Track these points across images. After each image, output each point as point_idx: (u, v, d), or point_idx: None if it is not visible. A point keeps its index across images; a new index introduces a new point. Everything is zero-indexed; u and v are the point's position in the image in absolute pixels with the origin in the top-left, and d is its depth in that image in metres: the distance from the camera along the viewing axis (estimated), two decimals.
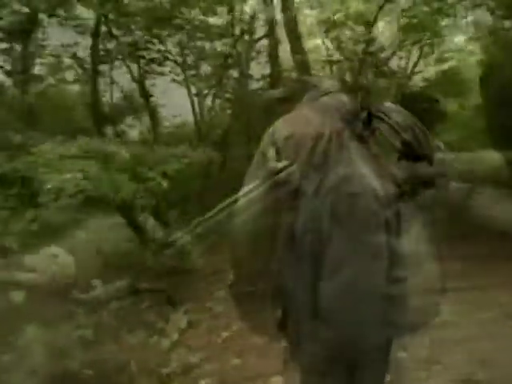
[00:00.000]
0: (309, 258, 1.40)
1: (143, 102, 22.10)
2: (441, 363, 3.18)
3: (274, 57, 9.74)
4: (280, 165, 1.64)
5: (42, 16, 15.99)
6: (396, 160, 1.45)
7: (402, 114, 1.49)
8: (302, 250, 1.42)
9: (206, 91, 16.16)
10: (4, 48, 17.15)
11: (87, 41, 14.49)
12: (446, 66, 13.43)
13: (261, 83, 11.78)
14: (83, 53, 16.52)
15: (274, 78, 9.35)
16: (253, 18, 11.75)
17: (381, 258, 1.32)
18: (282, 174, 1.61)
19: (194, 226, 1.83)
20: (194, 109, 13.38)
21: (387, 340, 1.44)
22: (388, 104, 1.54)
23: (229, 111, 11.87)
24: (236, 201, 1.70)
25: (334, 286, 1.31)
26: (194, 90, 13.82)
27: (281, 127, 1.48)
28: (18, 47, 17.42)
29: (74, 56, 20.00)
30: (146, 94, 10.44)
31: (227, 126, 11.94)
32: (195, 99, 13.67)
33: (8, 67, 17.18)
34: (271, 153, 1.42)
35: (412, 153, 1.44)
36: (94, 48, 9.19)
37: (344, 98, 1.52)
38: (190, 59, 13.44)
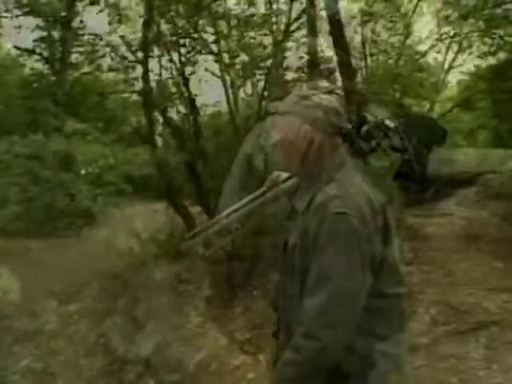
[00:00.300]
0: (295, 272, 1.40)
1: (180, 91, 22.45)
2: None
3: (311, 48, 9.62)
4: (283, 176, 1.68)
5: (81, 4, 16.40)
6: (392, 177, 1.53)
7: (399, 134, 1.48)
8: (290, 263, 1.43)
9: (240, 82, 16.23)
10: (43, 36, 17.74)
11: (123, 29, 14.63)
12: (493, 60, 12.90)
13: (297, 75, 11.69)
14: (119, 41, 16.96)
15: (313, 69, 9.24)
16: (291, 8, 11.66)
17: (363, 274, 1.28)
18: (284, 186, 1.65)
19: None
20: (228, 99, 13.37)
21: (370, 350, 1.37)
22: (388, 121, 1.50)
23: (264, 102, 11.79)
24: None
25: (316, 302, 1.27)
26: (229, 81, 13.88)
27: (269, 131, 1.59)
28: (56, 35, 18.03)
29: (110, 44, 20.58)
30: (186, 83, 10.48)
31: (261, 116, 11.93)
32: (230, 90, 13.70)
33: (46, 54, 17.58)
34: (259, 160, 1.54)
35: (411, 173, 1.42)
36: (143, 36, 9.22)
37: (337, 107, 1.45)
38: (226, 49, 13.45)
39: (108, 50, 20.90)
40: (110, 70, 22.59)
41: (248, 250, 4.96)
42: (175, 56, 10.49)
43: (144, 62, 9.34)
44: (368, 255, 1.28)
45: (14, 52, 18.31)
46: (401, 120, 1.68)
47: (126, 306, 5.11)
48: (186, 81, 10.39)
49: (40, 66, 18.33)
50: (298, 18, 11.12)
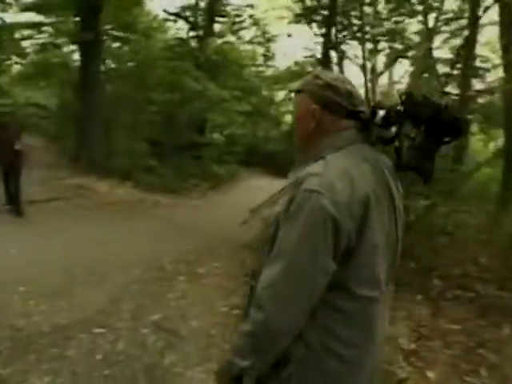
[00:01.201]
0: (269, 245, 1.34)
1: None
2: None
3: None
4: None
5: None
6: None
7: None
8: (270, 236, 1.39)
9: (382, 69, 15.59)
10: (190, 3, 18.53)
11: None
12: None
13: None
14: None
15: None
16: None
17: (321, 256, 1.21)
18: None
19: None
20: (366, 87, 13.00)
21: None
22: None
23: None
24: None
25: (269, 273, 1.25)
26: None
27: None
28: (202, 3, 18.72)
29: (251, 17, 20.94)
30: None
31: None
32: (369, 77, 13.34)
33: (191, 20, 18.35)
34: None
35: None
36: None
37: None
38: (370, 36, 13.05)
39: (250, 22, 21.69)
40: (250, 42, 23.40)
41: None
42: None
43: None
44: (331, 239, 1.19)
45: (161, 15, 19.36)
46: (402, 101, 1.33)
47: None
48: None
49: (184, 31, 19.36)
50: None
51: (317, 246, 1.19)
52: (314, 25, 11.77)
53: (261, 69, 24.67)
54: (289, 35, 17.46)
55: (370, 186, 1.27)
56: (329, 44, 9.58)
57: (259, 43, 23.38)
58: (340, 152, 1.33)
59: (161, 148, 14.02)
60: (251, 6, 20.01)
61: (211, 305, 4.69)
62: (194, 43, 18.98)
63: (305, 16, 11.23)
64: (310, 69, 22.51)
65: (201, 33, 18.95)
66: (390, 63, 13.23)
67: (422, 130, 1.27)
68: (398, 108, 1.30)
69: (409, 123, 1.30)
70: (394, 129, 1.33)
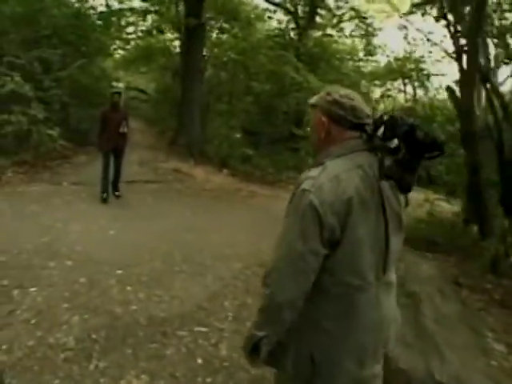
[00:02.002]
0: None
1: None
2: None
3: None
4: None
5: None
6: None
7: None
8: None
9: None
10: None
11: None
12: None
13: None
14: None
15: None
16: None
17: (311, 241, 1.48)
18: None
19: None
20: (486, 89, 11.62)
21: None
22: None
23: None
24: None
25: (273, 258, 1.59)
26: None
27: None
28: None
29: (353, 9, 20.04)
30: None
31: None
32: None
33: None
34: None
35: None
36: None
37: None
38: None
39: (352, 14, 20.85)
40: (351, 35, 22.50)
41: None
42: None
43: None
44: (317, 228, 1.46)
45: (262, 5, 19.06)
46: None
47: None
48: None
49: (284, 21, 18.95)
50: None
51: (306, 233, 1.46)
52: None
53: (361, 63, 23.66)
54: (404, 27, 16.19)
55: (356, 189, 1.49)
56: (457, 35, 8.52)
57: (360, 36, 22.41)
58: (340, 158, 1.56)
59: (257, 138, 13.68)
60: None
61: None
62: (293, 34, 18.57)
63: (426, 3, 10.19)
64: (410, 66, 21.54)
65: (301, 23, 18.46)
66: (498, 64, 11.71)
67: (407, 146, 1.43)
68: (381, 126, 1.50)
69: (394, 139, 1.47)
70: (396, 141, 1.46)
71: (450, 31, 9.76)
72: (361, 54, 23.44)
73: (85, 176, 8.64)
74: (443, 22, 9.85)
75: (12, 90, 8.96)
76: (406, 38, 20.70)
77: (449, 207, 7.91)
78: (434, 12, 11.07)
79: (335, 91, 1.66)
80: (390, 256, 1.62)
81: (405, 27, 16.93)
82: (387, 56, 22.64)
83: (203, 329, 3.63)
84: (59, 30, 11.33)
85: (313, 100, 1.72)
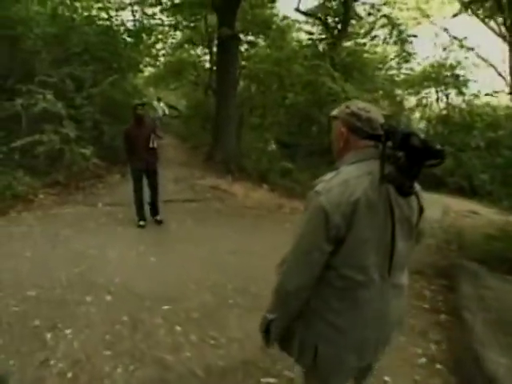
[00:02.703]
0: None
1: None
2: None
3: None
4: None
5: None
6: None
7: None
8: None
9: None
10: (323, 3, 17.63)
11: None
12: None
13: None
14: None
15: None
16: None
17: (318, 237, 1.65)
18: None
19: None
20: None
21: None
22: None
23: None
24: None
25: (287, 252, 1.79)
26: None
27: None
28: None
29: (385, 16, 19.46)
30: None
31: None
32: None
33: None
34: None
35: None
36: None
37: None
38: None
39: (384, 21, 20.24)
40: (386, 42, 21.85)
41: None
42: None
43: None
44: (324, 227, 1.59)
45: (293, 15, 18.70)
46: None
47: None
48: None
49: (315, 30, 18.48)
50: None
51: (314, 231, 1.63)
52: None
53: (394, 72, 22.97)
54: (445, 29, 15.45)
55: (363, 192, 1.61)
56: None
57: (394, 44, 21.75)
58: (353, 165, 1.70)
59: (293, 151, 13.04)
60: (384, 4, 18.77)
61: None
62: (326, 44, 18.14)
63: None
64: (446, 72, 20.65)
65: (334, 32, 17.99)
66: None
67: (407, 154, 1.52)
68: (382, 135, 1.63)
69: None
70: (400, 153, 1.55)
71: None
72: (393, 63, 22.87)
73: (120, 196, 8.16)
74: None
75: (44, 109, 8.63)
76: (434, 44, 20.06)
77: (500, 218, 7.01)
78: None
79: (354, 104, 1.79)
80: (396, 259, 1.70)
81: (445, 30, 16.07)
82: (418, 64, 21.96)
83: (272, 380, 2.99)
84: (90, 46, 11.04)
85: (334, 112, 1.85)
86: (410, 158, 1.51)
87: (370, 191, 1.61)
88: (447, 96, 22.05)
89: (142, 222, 6.57)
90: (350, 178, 1.63)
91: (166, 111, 16.30)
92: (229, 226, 6.97)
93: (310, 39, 18.56)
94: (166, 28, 15.90)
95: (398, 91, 21.85)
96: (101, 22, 11.99)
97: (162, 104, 16.20)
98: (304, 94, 14.12)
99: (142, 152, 6.35)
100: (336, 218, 1.59)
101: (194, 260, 5.20)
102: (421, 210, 1.78)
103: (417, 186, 1.72)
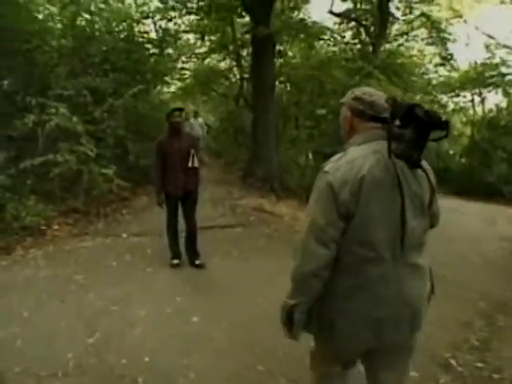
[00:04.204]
0: None
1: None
2: None
3: None
4: None
5: None
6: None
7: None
8: None
9: None
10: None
11: None
12: None
13: None
14: None
15: None
16: None
17: (328, 214, 1.70)
18: None
19: None
20: None
21: None
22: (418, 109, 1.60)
23: None
24: None
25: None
26: None
27: None
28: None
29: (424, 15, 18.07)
30: None
31: None
32: None
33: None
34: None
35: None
36: None
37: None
38: None
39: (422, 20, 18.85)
40: (426, 43, 20.40)
41: None
42: None
43: None
44: (333, 204, 1.63)
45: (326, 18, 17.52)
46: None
47: None
48: None
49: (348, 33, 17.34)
50: None
51: (325, 209, 1.65)
52: None
53: (433, 75, 21.44)
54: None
55: (369, 169, 1.64)
56: None
57: (432, 44, 20.26)
58: (360, 146, 1.73)
59: None
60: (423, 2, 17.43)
61: None
62: (364, 46, 16.96)
63: None
64: (491, 73, 19.07)
65: (371, 34, 16.73)
66: None
67: (413, 126, 1.56)
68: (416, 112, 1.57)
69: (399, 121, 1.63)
70: (408, 131, 1.58)
71: None
72: (429, 66, 21.34)
73: (148, 223, 6.81)
74: None
75: (57, 125, 7.38)
76: (466, 44, 18.64)
77: None
78: None
79: (359, 90, 1.85)
80: (408, 236, 1.68)
81: (477, 28, 14.54)
82: (452, 65, 20.37)
83: None
84: (110, 55, 9.85)
85: (342, 99, 1.89)
86: (416, 130, 1.55)
87: (376, 168, 1.64)
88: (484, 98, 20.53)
89: (175, 261, 5.13)
90: (357, 157, 1.66)
91: (205, 130, 13.77)
92: (284, 258, 5.46)
93: (346, 42, 17.38)
94: (191, 37, 14.78)
95: (438, 94, 20.30)
96: (122, 30, 10.80)
97: (200, 120, 13.80)
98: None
99: (178, 172, 4.91)
100: (344, 194, 1.61)
101: (254, 317, 3.73)
102: (432, 190, 1.78)
103: (427, 166, 1.78)
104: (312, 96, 13.10)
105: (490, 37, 19.16)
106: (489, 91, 20.77)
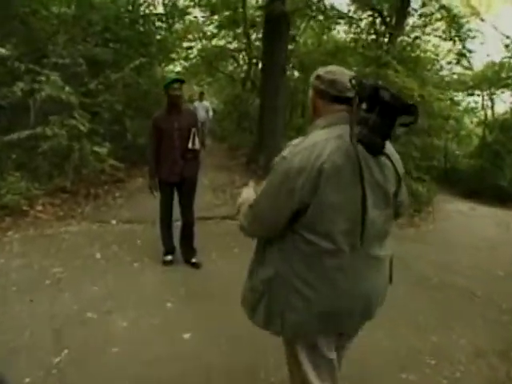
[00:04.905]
0: None
1: None
2: None
3: None
4: None
5: None
6: None
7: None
8: None
9: None
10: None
11: None
12: None
13: None
14: None
15: None
16: None
17: (279, 198, 1.61)
18: None
19: None
20: None
21: None
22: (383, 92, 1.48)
23: None
24: None
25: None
26: None
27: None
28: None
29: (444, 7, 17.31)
30: None
31: None
32: None
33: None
34: None
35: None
36: None
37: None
38: None
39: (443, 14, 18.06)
40: (441, 37, 19.62)
41: None
42: None
43: None
44: (289, 191, 1.52)
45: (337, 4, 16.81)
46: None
47: None
48: None
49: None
50: None
51: (279, 195, 1.55)
52: None
53: (446, 72, 20.69)
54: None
55: (329, 156, 1.52)
56: None
57: (450, 39, 19.49)
58: (323, 130, 1.61)
59: None
60: None
61: None
62: (381, 35, 16.22)
63: None
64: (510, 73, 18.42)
65: (389, 24, 16.00)
66: None
67: (377, 110, 1.44)
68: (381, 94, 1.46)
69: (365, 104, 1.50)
70: (373, 115, 1.46)
71: None
72: (443, 62, 20.62)
73: (141, 208, 6.17)
74: None
75: (49, 95, 6.69)
76: (481, 43, 18.02)
77: None
78: None
79: (323, 68, 1.72)
80: (370, 228, 1.59)
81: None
82: (468, 64, 19.70)
83: None
84: (112, 25, 9.10)
85: (311, 81, 1.75)
86: (381, 114, 1.45)
87: (337, 154, 1.52)
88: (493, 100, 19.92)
89: (168, 257, 4.49)
90: (317, 142, 1.55)
91: (211, 113, 12.67)
92: None
93: (360, 31, 16.61)
94: (200, 15, 14.04)
95: (453, 92, 19.62)
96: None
97: (206, 103, 12.80)
98: None
99: (175, 155, 4.22)
100: (300, 182, 1.52)
101: (256, 331, 3.11)
102: (399, 180, 1.69)
103: (394, 153, 1.71)
104: None
105: (507, 36, 18.58)
106: (502, 92, 20.18)
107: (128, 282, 3.91)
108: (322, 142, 1.54)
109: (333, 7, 12.90)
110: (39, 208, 6.06)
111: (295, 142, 1.62)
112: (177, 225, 4.57)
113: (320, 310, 1.61)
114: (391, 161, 1.63)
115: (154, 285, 3.93)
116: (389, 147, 1.64)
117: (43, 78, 6.55)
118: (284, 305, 1.63)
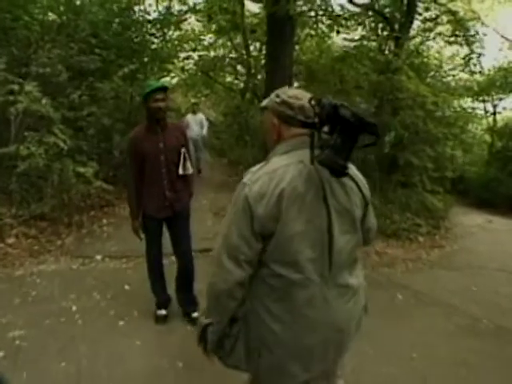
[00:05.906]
0: None
1: None
2: None
3: None
4: None
5: None
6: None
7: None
8: None
9: None
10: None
11: None
12: None
13: None
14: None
15: None
16: None
17: (242, 228, 1.51)
18: None
19: None
20: None
21: None
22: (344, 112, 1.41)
23: None
24: None
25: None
26: None
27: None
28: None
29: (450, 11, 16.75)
30: None
31: None
32: None
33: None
34: None
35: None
36: None
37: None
38: None
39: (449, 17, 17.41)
40: (448, 42, 19.01)
41: None
42: None
43: None
44: (249, 220, 1.45)
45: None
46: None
47: None
48: None
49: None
50: None
51: (240, 224, 1.47)
52: None
53: (450, 77, 20.11)
54: None
55: (290, 181, 1.46)
56: None
57: (456, 43, 18.92)
58: (285, 155, 1.54)
59: (359, 167, 9.98)
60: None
61: None
62: (387, 40, 15.54)
63: None
64: None
65: (395, 28, 15.29)
66: None
67: (338, 129, 1.39)
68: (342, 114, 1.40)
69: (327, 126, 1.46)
70: (334, 136, 1.41)
71: None
72: (447, 67, 20.05)
73: (132, 239, 5.13)
74: None
75: (25, 109, 5.79)
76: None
77: None
78: None
79: (283, 92, 1.63)
80: (337, 255, 1.54)
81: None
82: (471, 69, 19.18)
83: None
84: (100, 30, 8.24)
85: (264, 103, 1.69)
86: (341, 133, 1.40)
87: (298, 180, 1.48)
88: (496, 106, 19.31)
89: (162, 312, 3.53)
90: (278, 168, 1.50)
91: (206, 127, 11.04)
92: None
93: (363, 36, 15.95)
94: (197, 20, 13.24)
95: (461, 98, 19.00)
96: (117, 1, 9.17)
97: (200, 115, 11.16)
98: (369, 98, 11.35)
99: (162, 184, 3.27)
100: (260, 210, 1.45)
101: None
102: (366, 203, 1.64)
103: (358, 175, 1.66)
104: (329, 91, 11.63)
105: (509, 40, 18.16)
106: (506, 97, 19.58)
107: (108, 355, 2.95)
108: (282, 167, 1.50)
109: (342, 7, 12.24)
110: (11, 241, 5.13)
111: (253, 168, 1.57)
112: (171, 260, 3.65)
113: (293, 349, 1.53)
114: (356, 182, 1.59)
115: (142, 355, 2.97)
116: (351, 168, 1.57)
117: (16, 88, 5.65)
118: (259, 342, 1.56)
